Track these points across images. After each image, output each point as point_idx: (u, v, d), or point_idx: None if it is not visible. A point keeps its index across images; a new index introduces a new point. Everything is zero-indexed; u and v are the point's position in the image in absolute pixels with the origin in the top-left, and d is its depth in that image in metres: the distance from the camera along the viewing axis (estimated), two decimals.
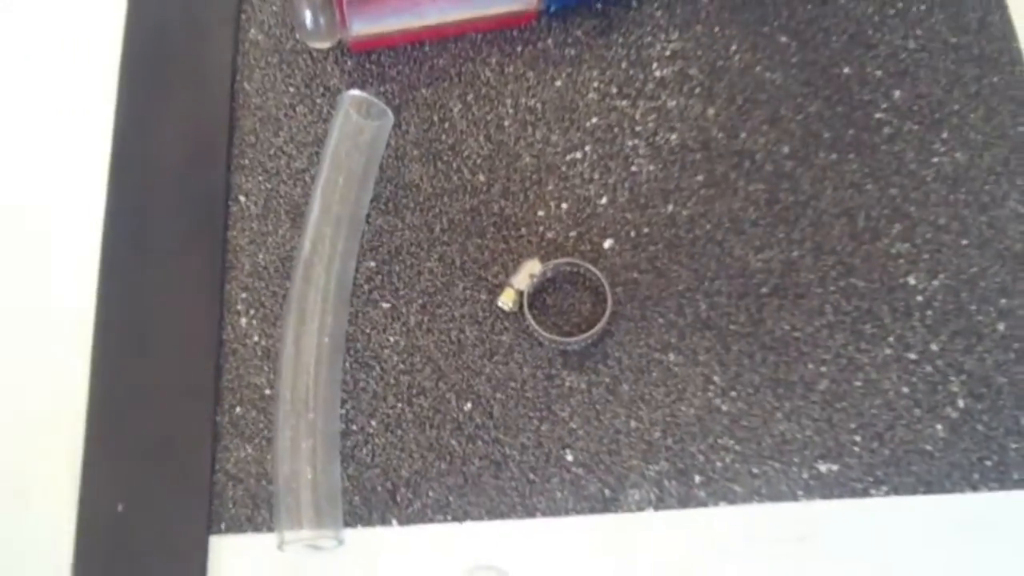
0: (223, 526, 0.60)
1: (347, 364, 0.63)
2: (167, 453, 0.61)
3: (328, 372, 0.59)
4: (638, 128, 0.68)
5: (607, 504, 0.60)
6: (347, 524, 0.60)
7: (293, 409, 0.57)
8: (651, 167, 0.67)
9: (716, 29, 0.71)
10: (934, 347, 0.62)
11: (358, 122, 0.62)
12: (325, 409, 0.58)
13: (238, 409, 0.62)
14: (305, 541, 0.55)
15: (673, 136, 0.68)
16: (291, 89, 0.70)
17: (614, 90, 0.69)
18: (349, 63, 0.70)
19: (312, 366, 0.58)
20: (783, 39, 0.70)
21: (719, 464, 0.60)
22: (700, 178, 0.67)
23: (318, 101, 0.70)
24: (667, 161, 0.67)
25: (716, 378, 0.62)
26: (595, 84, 0.69)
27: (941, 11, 0.71)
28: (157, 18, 0.72)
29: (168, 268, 0.64)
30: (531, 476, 0.60)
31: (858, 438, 0.60)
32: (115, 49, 0.71)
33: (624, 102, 0.69)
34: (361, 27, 0.67)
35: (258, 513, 0.60)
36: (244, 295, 0.64)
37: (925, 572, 0.58)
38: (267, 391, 0.62)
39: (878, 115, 0.68)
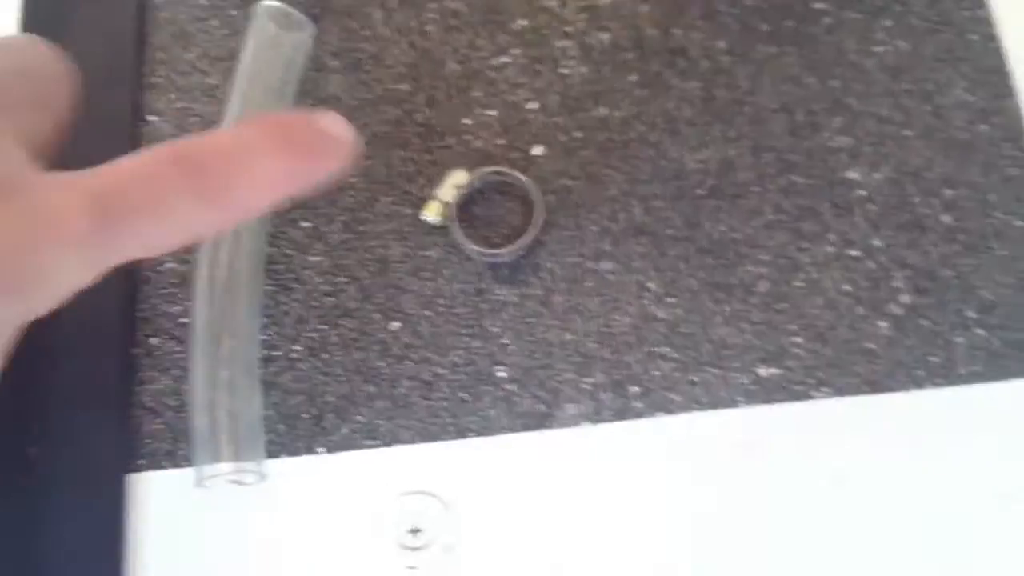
0: (142, 463, 0.57)
1: (267, 288, 0.60)
2: (79, 389, 0.58)
3: (246, 296, 0.56)
4: (568, 28, 0.65)
5: (542, 420, 0.58)
6: (272, 455, 0.57)
7: (209, 337, 0.54)
8: (582, 69, 0.64)
9: None
10: (877, 242, 0.59)
11: (276, 34, 0.59)
12: (244, 335, 0.55)
13: (154, 340, 0.59)
14: (225, 476, 0.52)
15: (604, 35, 0.65)
16: (203, 2, 0.66)
17: None
18: None
19: (229, 290, 0.55)
20: None
21: (656, 373, 0.58)
22: (633, 78, 0.64)
23: (232, 13, 0.67)
24: (599, 62, 0.64)
25: (652, 285, 0.59)
26: None
27: None
28: None
29: None
30: (462, 395, 0.58)
31: (800, 340, 0.58)
32: None
33: (553, 1, 0.66)
34: None
35: (178, 447, 0.58)
36: None
37: (870, 472, 0.56)
38: (183, 320, 0.59)
39: (817, 4, 0.66)
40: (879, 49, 0.65)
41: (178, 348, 0.60)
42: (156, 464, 0.59)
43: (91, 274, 0.42)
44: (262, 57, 0.61)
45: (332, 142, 0.49)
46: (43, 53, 0.49)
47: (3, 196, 0.40)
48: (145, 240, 0.43)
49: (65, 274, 0.41)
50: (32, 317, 0.41)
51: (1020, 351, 0.58)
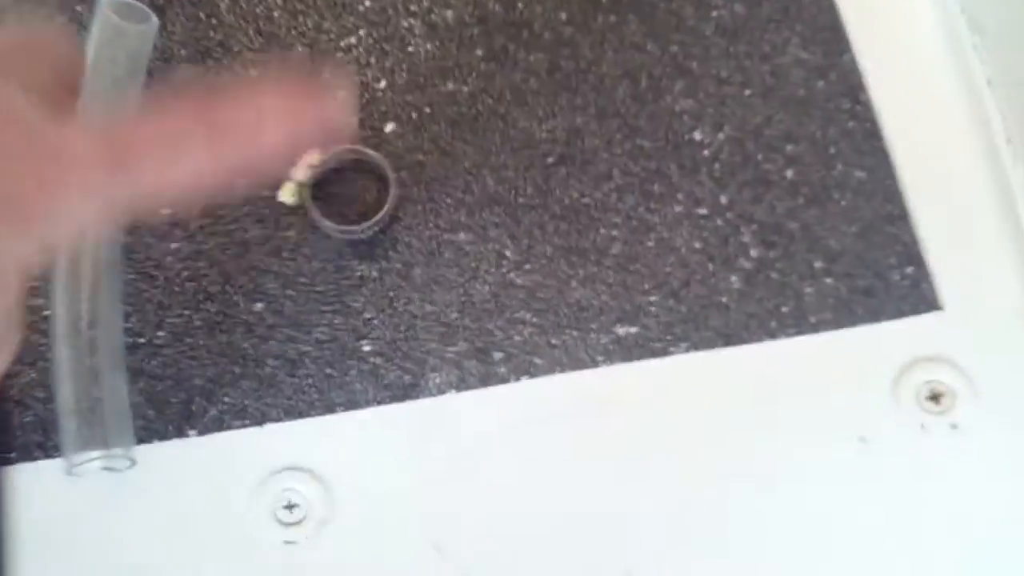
0: (13, 456, 0.57)
1: (128, 276, 0.60)
2: None
3: (106, 286, 0.56)
4: (412, 7, 0.66)
5: (408, 391, 0.59)
6: (142, 440, 0.57)
7: (71, 327, 0.55)
8: (428, 46, 0.65)
9: None
10: (723, 200, 0.61)
11: (119, 25, 0.59)
12: (105, 324, 0.56)
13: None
14: (96, 463, 0.53)
15: (449, 12, 0.66)
16: None
17: None
18: None
19: (88, 281, 0.55)
20: None
21: (518, 338, 0.59)
22: (479, 53, 0.65)
23: (77, 8, 0.66)
24: (444, 39, 0.65)
25: (508, 252, 0.60)
26: None
27: None
28: None
29: None
30: (328, 371, 0.59)
31: (654, 298, 0.60)
32: None
33: None
34: None
35: (49, 439, 0.58)
36: None
37: (731, 422, 0.58)
38: (47, 312, 0.59)
39: None
40: (716, 13, 0.67)
41: (43, 340, 0.59)
42: (28, 456, 0.59)
43: (99, 213, 0.42)
44: (107, 50, 0.61)
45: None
46: (40, 24, 0.49)
47: (18, 133, 0.40)
48: (152, 179, 0.42)
49: (75, 212, 0.41)
50: (41, 256, 0.42)
51: (867, 297, 0.60)
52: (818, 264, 0.60)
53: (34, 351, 0.59)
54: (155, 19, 0.60)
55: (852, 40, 0.65)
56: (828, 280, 0.60)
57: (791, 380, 0.58)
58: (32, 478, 0.58)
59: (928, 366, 0.58)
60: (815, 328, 0.59)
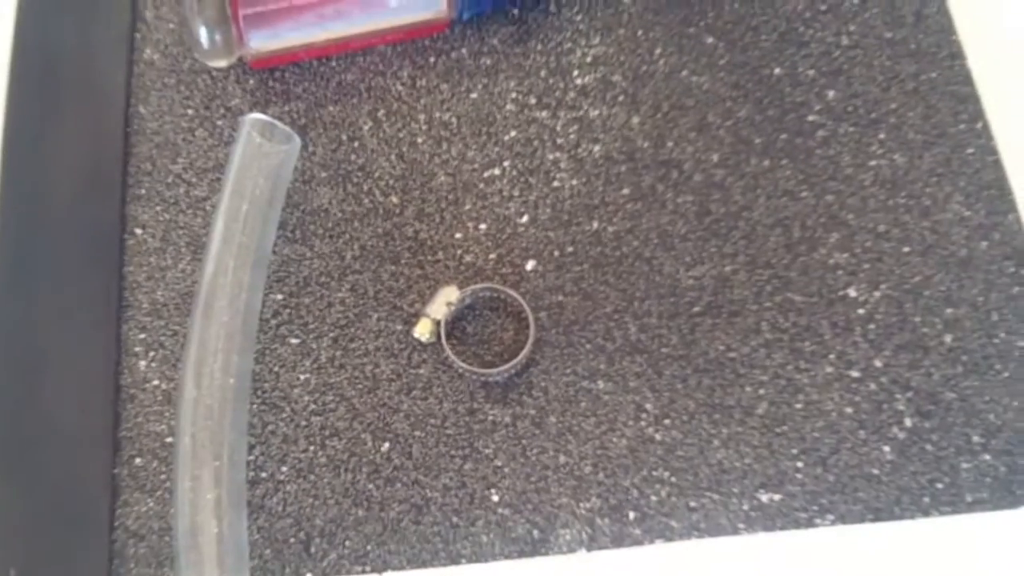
0: None
1: (254, 406, 0.58)
2: (62, 510, 0.57)
3: (233, 416, 0.55)
4: (559, 140, 0.64)
5: (536, 546, 0.56)
6: None
7: (195, 457, 0.53)
8: (574, 181, 0.63)
9: (639, 32, 0.67)
10: (878, 363, 0.58)
11: (262, 145, 0.57)
12: (230, 456, 0.54)
13: (138, 460, 0.58)
14: None
15: (596, 148, 0.64)
16: (189, 112, 0.66)
17: (533, 100, 0.65)
18: (251, 81, 0.66)
19: (215, 409, 0.54)
20: (709, 40, 0.66)
21: (654, 498, 0.56)
22: (626, 191, 0.62)
23: (219, 123, 0.65)
24: (591, 175, 0.63)
25: (648, 405, 0.58)
26: (513, 95, 0.65)
27: (875, 5, 0.67)
28: (46, 38, 0.67)
29: (58, 309, 0.60)
30: (454, 520, 0.56)
31: (800, 464, 0.56)
32: (1, 70, 0.66)
33: (544, 113, 0.65)
34: (260, 43, 0.63)
35: (161, 572, 0.56)
36: (142, 336, 0.60)
37: None
38: (169, 439, 0.58)
39: (811, 117, 0.64)
40: (875, 163, 0.64)
41: (163, 469, 0.58)
42: None
43: None
44: (248, 169, 0.59)
45: None
46: None
47: None
48: None
49: None
50: None
51: None
52: (976, 439, 0.57)
53: (153, 479, 0.58)
54: (297, 140, 0.59)
55: (1017, 199, 0.62)
56: (986, 456, 0.57)
57: (943, 562, 0.55)
58: None
59: None
60: (971, 508, 0.56)
